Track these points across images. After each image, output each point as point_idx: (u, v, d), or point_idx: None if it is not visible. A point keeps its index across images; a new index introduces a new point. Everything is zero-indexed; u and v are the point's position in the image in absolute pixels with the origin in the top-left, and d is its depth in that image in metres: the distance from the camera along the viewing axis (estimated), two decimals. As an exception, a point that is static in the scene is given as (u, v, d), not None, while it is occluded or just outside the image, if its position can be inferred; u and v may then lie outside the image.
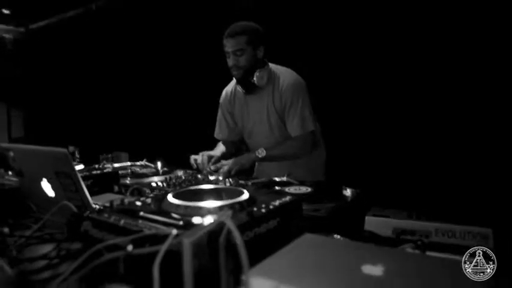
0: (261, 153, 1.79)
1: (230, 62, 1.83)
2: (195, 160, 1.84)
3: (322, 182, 1.45)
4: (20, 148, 1.14)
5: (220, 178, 1.65)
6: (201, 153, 1.87)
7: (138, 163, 2.01)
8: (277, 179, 1.51)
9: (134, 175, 1.73)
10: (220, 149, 2.08)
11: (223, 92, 2.14)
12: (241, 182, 1.47)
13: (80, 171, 1.56)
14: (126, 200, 0.96)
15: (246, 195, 0.92)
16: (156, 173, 1.77)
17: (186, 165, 2.01)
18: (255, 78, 1.85)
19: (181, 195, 0.95)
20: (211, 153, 1.93)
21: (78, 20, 4.77)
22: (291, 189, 1.35)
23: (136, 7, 4.04)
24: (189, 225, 0.77)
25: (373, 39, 2.59)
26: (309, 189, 1.34)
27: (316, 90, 2.00)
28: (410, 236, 1.08)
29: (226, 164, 1.74)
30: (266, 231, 0.84)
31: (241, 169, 1.75)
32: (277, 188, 1.37)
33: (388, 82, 2.55)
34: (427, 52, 2.41)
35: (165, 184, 1.54)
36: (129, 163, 2.02)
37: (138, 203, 0.95)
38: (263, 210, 0.85)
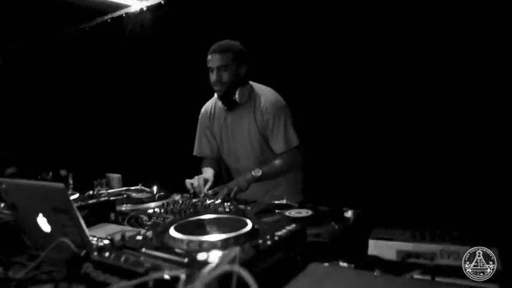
0: (257, 173, 1.79)
1: (213, 77, 1.87)
2: (192, 184, 1.82)
3: (321, 204, 1.44)
4: (13, 182, 1.11)
5: (218, 201, 1.64)
6: (196, 177, 1.85)
7: (133, 188, 1.98)
8: (276, 202, 1.49)
9: (130, 201, 1.70)
10: (210, 172, 2.06)
11: (203, 109, 2.17)
12: (241, 206, 1.45)
13: (75, 200, 1.52)
14: (127, 235, 0.93)
15: (249, 226, 0.90)
16: (152, 198, 1.74)
17: (181, 188, 1.98)
18: (236, 96, 1.89)
19: (183, 227, 0.93)
20: (206, 176, 1.92)
21: (68, 40, 4.75)
22: (292, 213, 1.33)
23: (117, 27, 4.01)
24: (194, 263, 0.75)
25: (359, 56, 2.60)
26: (310, 212, 1.33)
27: (307, 106, 2.01)
28: (415, 258, 1.07)
29: (224, 187, 1.72)
30: (273, 264, 0.82)
31: (240, 191, 1.73)
32: (277, 211, 1.35)
33: (380, 99, 2.57)
34: (416, 75, 2.43)
35: (162, 210, 1.52)
36: (124, 188, 1.98)
37: (139, 238, 0.92)
38: (269, 242, 0.83)
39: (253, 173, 1.79)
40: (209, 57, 1.87)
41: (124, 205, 1.62)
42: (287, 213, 1.34)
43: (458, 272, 0.97)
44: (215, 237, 0.84)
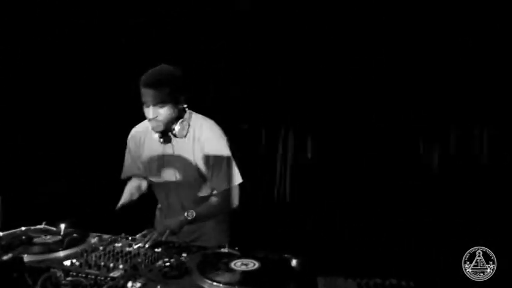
0: (191, 215, 1.64)
1: (148, 113, 1.67)
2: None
3: (261, 251, 1.39)
4: None
5: (146, 246, 1.47)
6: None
7: (33, 228, 1.62)
8: (216, 250, 1.40)
9: (33, 249, 1.40)
10: (127, 193, 1.87)
11: (132, 132, 1.94)
12: (182, 258, 1.32)
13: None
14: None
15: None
16: (61, 243, 1.46)
17: (92, 222, 1.73)
18: (176, 131, 1.73)
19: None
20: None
21: None
22: (238, 265, 1.26)
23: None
24: None
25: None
26: (256, 264, 1.27)
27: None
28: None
29: (153, 231, 1.54)
30: None
31: (172, 235, 1.57)
32: (224, 260, 1.27)
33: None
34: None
35: (82, 262, 1.29)
36: (23, 228, 1.61)
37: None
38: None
39: (186, 214, 1.63)
40: (142, 90, 1.64)
41: (26, 255, 1.33)
42: (233, 265, 1.27)
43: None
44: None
